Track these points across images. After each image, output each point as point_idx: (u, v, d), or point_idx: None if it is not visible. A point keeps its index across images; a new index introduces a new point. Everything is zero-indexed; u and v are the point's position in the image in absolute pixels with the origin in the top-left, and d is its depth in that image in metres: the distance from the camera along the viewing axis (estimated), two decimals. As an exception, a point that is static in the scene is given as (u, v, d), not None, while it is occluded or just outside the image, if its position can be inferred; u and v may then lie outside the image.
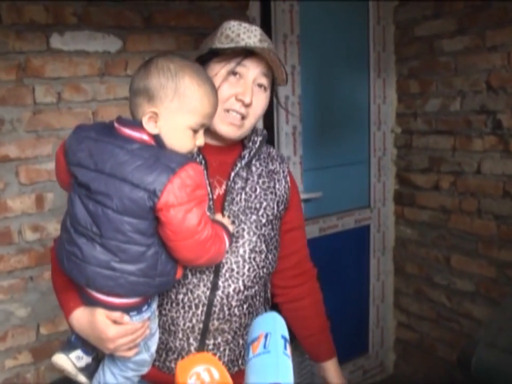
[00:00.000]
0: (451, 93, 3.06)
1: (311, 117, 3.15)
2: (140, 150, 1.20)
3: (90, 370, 1.42)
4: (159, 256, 1.24)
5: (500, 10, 2.74)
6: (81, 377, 1.38)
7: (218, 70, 1.40)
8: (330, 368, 1.72)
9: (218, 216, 1.41)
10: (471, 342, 2.22)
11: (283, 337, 1.00)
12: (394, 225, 3.59)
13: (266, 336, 1.00)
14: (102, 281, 1.22)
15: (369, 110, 3.42)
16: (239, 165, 1.48)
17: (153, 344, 1.43)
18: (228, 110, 1.40)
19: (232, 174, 1.47)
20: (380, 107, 3.42)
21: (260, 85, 1.43)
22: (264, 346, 0.98)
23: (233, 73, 1.40)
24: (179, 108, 1.23)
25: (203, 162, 1.45)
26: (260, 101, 1.45)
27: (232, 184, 1.47)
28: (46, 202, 2.36)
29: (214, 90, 1.30)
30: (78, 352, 1.38)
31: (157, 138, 1.23)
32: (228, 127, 1.42)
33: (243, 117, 1.42)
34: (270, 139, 3.00)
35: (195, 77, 1.25)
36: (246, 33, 1.39)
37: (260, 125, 2.87)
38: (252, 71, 1.41)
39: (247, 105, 1.40)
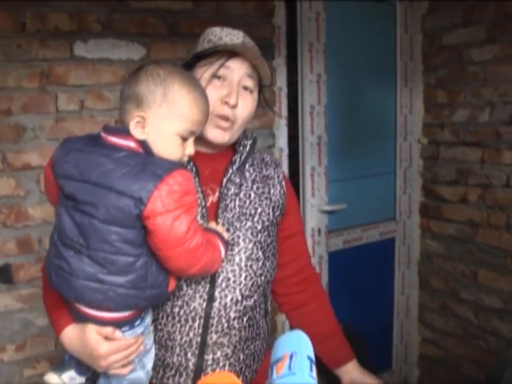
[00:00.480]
0: (480, 103, 3.00)
1: (336, 126, 3.11)
2: (126, 158, 1.18)
3: None
4: (149, 267, 1.21)
5: (531, 19, 2.69)
6: None
7: (202, 74, 1.39)
8: (354, 369, 1.66)
9: (212, 224, 1.39)
10: (501, 361, 2.15)
11: (309, 358, 0.97)
12: (420, 239, 3.54)
13: (291, 357, 0.97)
14: (91, 294, 1.19)
15: (395, 120, 3.38)
16: (230, 170, 1.45)
17: (149, 361, 1.38)
18: (215, 116, 1.38)
19: (224, 180, 1.44)
20: (406, 117, 3.38)
21: (246, 88, 1.41)
22: (289, 368, 0.95)
23: (217, 76, 1.38)
24: (167, 113, 1.22)
25: (194, 169, 1.42)
26: (247, 103, 1.42)
27: (225, 191, 1.44)
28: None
29: (204, 98, 1.29)
30: (71, 373, 1.35)
31: (144, 144, 1.22)
32: (215, 130, 1.39)
33: (230, 120, 1.39)
34: (295, 149, 2.99)
35: (185, 83, 1.24)
36: (228, 36, 1.40)
37: (285, 135, 2.86)
38: (236, 72, 1.39)
39: (233, 107, 1.38)
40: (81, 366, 1.35)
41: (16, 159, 2.22)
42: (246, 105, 1.42)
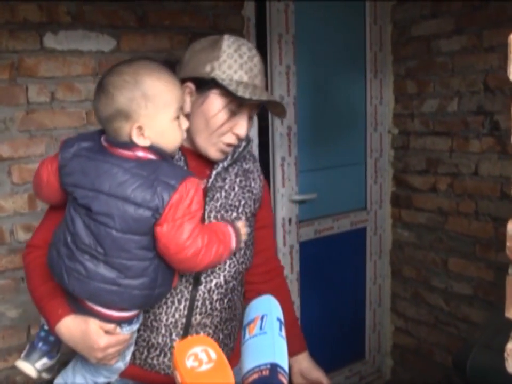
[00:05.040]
0: (448, 93, 3.04)
1: (306, 117, 3.13)
2: (137, 169, 1.23)
3: (52, 368, 1.46)
4: (159, 269, 1.28)
5: (498, 10, 2.72)
6: (44, 375, 1.44)
7: (219, 104, 1.39)
8: (303, 361, 1.74)
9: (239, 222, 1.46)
10: (467, 345, 2.20)
11: (278, 319, 1.05)
12: (391, 228, 3.56)
13: (262, 318, 1.05)
14: (107, 296, 1.25)
15: (365, 110, 3.40)
16: (221, 164, 1.50)
17: (129, 354, 1.46)
18: (222, 143, 1.43)
19: (214, 172, 1.49)
20: (376, 108, 3.40)
21: (252, 117, 1.48)
22: (260, 328, 1.03)
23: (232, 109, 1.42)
24: (155, 109, 1.25)
25: (182, 158, 1.46)
26: (249, 129, 1.49)
27: (214, 181, 1.49)
28: (38, 202, 2.33)
29: (172, 75, 1.31)
30: (44, 360, 1.41)
31: (151, 148, 1.26)
32: (218, 153, 1.45)
33: (233, 146, 1.47)
34: (265, 139, 3.00)
35: (152, 73, 1.26)
36: (247, 73, 1.38)
37: (255, 126, 2.86)
38: (250, 109, 1.43)
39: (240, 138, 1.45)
40: (53, 351, 1.42)
41: (-14, 150, 2.21)
42: (247, 131, 1.48)
